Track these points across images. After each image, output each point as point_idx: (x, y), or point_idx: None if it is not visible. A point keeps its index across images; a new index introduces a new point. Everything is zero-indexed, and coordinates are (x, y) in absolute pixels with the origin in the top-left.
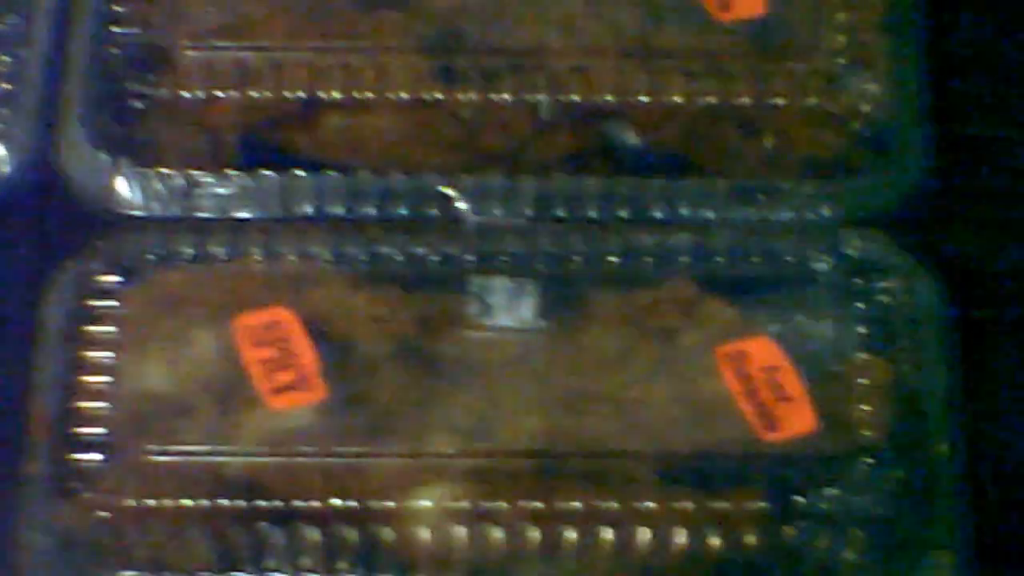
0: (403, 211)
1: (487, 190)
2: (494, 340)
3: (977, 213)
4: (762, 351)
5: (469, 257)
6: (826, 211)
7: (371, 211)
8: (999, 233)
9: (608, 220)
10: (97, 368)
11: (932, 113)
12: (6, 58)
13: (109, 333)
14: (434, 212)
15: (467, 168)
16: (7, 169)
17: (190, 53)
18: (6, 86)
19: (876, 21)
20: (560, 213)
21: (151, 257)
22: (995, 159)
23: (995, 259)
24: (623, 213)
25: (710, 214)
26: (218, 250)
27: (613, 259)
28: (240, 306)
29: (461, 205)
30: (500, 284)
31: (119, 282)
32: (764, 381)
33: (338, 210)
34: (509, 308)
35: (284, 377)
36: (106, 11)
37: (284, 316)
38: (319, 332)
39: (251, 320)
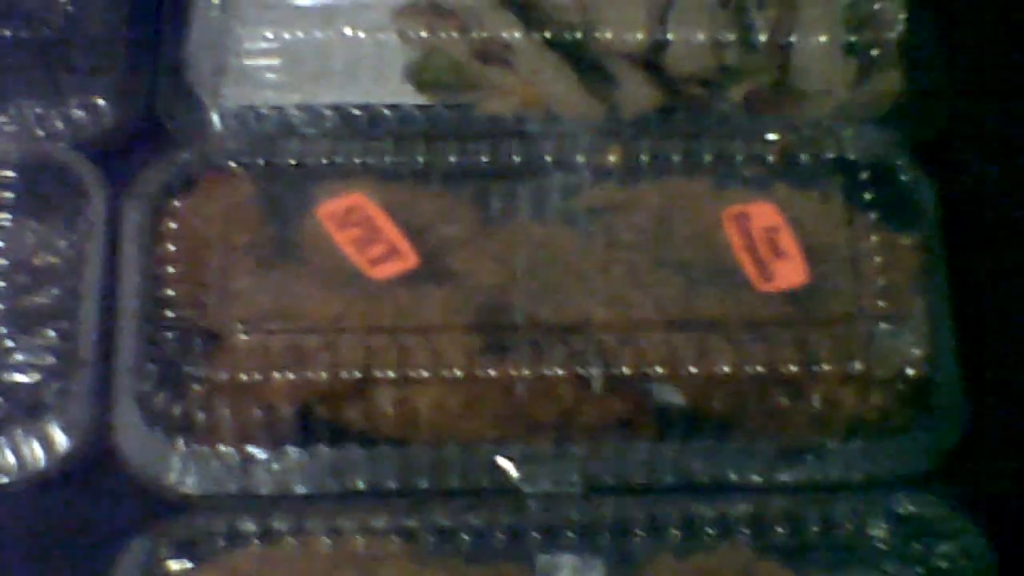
0: (457, 483)
1: (537, 458)
2: None
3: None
4: None
5: (533, 533)
6: (873, 470)
7: (424, 484)
8: None
9: (656, 485)
10: None
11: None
12: (52, 333)
13: None
14: (487, 483)
15: (519, 439)
16: (63, 448)
17: (243, 337)
18: (51, 360)
19: (910, 282)
20: (608, 480)
21: (218, 540)
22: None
23: None
24: (670, 479)
25: (757, 477)
26: (282, 528)
27: (674, 531)
28: None
29: (514, 474)
30: (567, 562)
31: (187, 567)
32: None
33: (391, 483)
34: None
35: None
36: (156, 293)
37: None
38: None
39: None
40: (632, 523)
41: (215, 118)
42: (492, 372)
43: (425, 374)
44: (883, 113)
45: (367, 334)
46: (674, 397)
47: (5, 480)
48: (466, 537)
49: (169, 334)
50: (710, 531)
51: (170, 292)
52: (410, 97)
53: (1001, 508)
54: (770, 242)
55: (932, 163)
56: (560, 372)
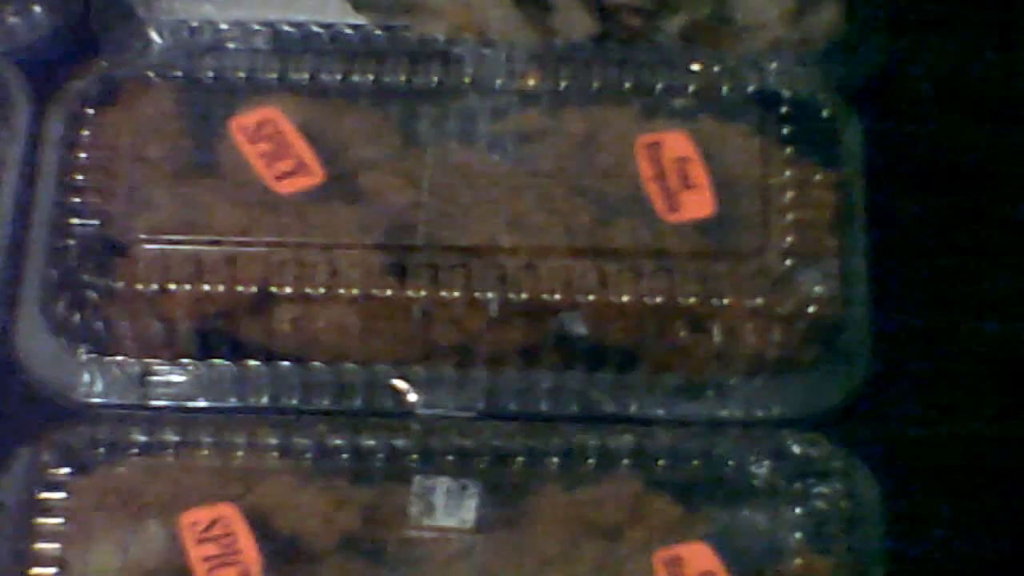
0: (356, 403)
1: (437, 383)
2: (437, 539)
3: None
4: (699, 556)
5: (414, 454)
6: (773, 409)
7: (324, 403)
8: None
9: (558, 414)
10: (46, 560)
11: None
12: None
13: (58, 525)
14: (387, 404)
15: (418, 361)
16: None
17: (145, 247)
18: None
19: (826, 218)
20: (511, 407)
21: (101, 450)
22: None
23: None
24: (574, 408)
25: (659, 410)
26: (168, 440)
27: (555, 458)
28: (187, 502)
29: (412, 398)
30: (442, 485)
31: (69, 474)
32: None
33: (291, 401)
34: (451, 510)
35: (227, 574)
36: (65, 202)
37: (229, 513)
38: (264, 527)
39: (196, 517)
40: (513, 450)
41: (148, 30)
42: (390, 292)
43: (323, 291)
44: (820, 49)
45: (268, 249)
46: (578, 327)
47: None
48: (347, 456)
49: (72, 242)
50: (591, 461)
51: (77, 200)
52: (347, 17)
53: (896, 454)
54: (680, 172)
55: (865, 102)
56: (458, 295)
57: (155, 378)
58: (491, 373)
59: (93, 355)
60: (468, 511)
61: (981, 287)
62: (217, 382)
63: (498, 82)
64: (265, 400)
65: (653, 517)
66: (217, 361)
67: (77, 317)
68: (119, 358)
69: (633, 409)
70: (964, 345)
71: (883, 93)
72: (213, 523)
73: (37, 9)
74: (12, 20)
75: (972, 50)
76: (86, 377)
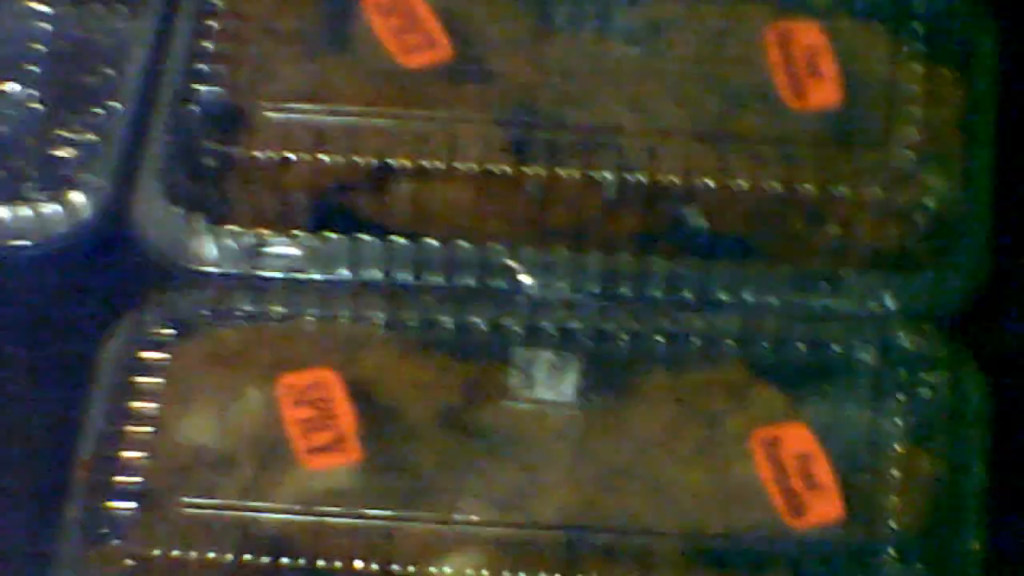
0: (468, 281)
1: (551, 265)
2: (536, 413)
3: None
4: (797, 438)
5: (518, 329)
6: (888, 303)
7: (436, 279)
8: None
9: (672, 301)
10: (142, 419)
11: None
12: (98, 110)
13: (157, 385)
14: (498, 283)
15: (532, 242)
16: (86, 216)
17: (269, 115)
18: (92, 137)
19: (952, 118)
20: (626, 292)
21: (206, 313)
22: None
23: None
24: (688, 295)
25: (774, 300)
26: (275, 309)
27: (660, 339)
28: (287, 366)
29: (524, 279)
30: (543, 358)
31: (172, 335)
32: (796, 468)
33: (404, 277)
34: (551, 382)
35: (321, 438)
36: (191, 69)
37: (327, 377)
38: (363, 395)
39: (294, 380)
40: (619, 329)
41: None
42: (508, 170)
43: (442, 167)
44: None
45: (389, 121)
46: (698, 220)
47: (27, 243)
48: (453, 331)
49: (195, 108)
50: (697, 343)
51: (204, 67)
52: None
53: (1007, 356)
54: (809, 61)
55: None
56: (575, 175)
57: (268, 249)
58: (605, 257)
59: (209, 223)
60: (568, 384)
61: None
62: (330, 255)
63: None
64: (377, 275)
65: (757, 402)
66: (330, 234)
67: (194, 184)
68: (234, 227)
69: (747, 298)
70: None
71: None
72: (311, 386)
73: None
74: None
75: None
76: (201, 245)
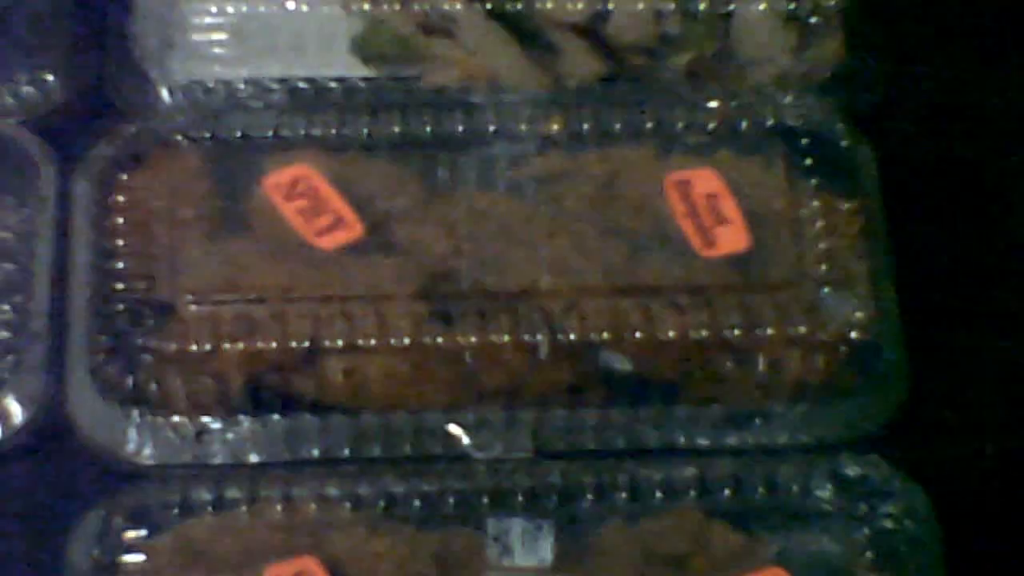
0: (406, 451)
1: (487, 425)
2: None
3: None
4: None
5: (483, 498)
6: (818, 434)
7: (375, 452)
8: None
9: (606, 450)
10: None
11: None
12: (6, 307)
13: None
14: (438, 450)
15: (468, 405)
16: (19, 421)
17: (192, 308)
18: (5, 334)
19: (852, 247)
20: (558, 445)
21: (173, 509)
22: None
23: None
24: (619, 443)
25: (705, 441)
26: (235, 496)
27: (622, 494)
28: (261, 557)
29: (465, 442)
30: (517, 526)
31: (144, 536)
32: None
33: (343, 452)
34: (528, 550)
35: None
36: (106, 268)
37: (310, 566)
38: None
39: (279, 571)
40: (581, 487)
41: (163, 92)
42: (439, 340)
43: (373, 342)
44: (823, 80)
45: (315, 304)
46: (621, 363)
47: None
48: (416, 503)
49: (120, 306)
50: (658, 494)
51: (120, 265)
52: (356, 70)
53: (944, 470)
54: (712, 208)
55: (871, 130)
56: (507, 339)
57: (209, 436)
58: (538, 413)
59: (146, 416)
60: (546, 550)
61: (1002, 302)
62: (270, 437)
63: (522, 128)
64: (316, 452)
65: (717, 545)
66: (269, 416)
67: (129, 380)
68: (173, 418)
69: (681, 441)
70: (993, 357)
71: (885, 119)
72: None
73: (50, 77)
74: (26, 90)
75: (970, 71)
76: (140, 438)
